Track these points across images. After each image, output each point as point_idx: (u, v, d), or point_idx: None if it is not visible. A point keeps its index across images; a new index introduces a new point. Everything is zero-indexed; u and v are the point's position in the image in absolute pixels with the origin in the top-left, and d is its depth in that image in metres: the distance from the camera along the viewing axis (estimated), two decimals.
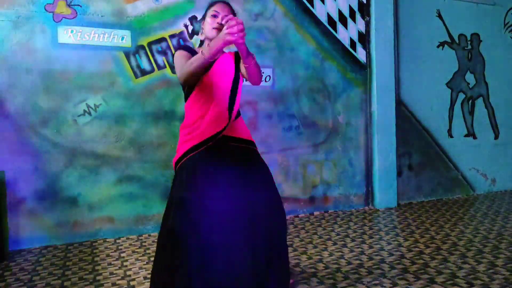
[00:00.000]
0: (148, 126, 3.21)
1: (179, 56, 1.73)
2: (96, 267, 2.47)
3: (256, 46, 3.55)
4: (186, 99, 1.81)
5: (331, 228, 3.27)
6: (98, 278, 2.29)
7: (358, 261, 2.46)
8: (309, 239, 2.97)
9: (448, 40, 4.46)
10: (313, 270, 2.33)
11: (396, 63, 4.13)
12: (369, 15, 3.96)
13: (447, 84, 4.47)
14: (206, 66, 1.62)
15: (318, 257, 2.56)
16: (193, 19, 3.33)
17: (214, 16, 1.76)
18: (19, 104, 2.87)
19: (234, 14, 1.82)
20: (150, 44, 3.21)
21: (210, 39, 1.73)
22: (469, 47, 4.59)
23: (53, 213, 2.97)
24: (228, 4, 1.83)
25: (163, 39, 3.25)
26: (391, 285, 2.07)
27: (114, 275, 2.32)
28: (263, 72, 3.43)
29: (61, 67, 2.97)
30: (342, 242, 2.87)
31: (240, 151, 1.74)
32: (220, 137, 1.70)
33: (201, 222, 1.57)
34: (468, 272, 2.24)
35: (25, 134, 2.89)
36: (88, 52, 3.03)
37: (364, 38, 3.98)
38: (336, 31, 3.86)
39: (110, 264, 2.53)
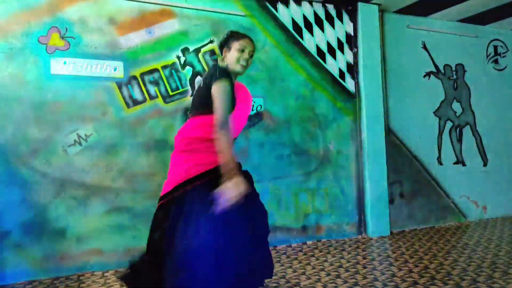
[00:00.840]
0: (139, 155, 3.20)
1: (228, 91, 1.74)
2: None
3: (248, 77, 3.61)
4: (200, 113, 1.82)
5: (324, 258, 3.23)
6: None
7: None
8: (302, 270, 2.92)
9: (434, 70, 4.59)
10: None
11: (384, 92, 4.21)
12: (356, 47, 4.08)
13: (434, 112, 4.56)
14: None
15: None
16: (185, 50, 3.39)
17: (241, 50, 1.84)
18: (8, 135, 2.85)
19: (255, 50, 1.97)
20: (142, 74, 3.25)
21: (234, 71, 1.88)
22: (455, 76, 4.72)
23: (39, 246, 2.89)
24: (253, 41, 1.94)
25: (155, 70, 3.29)
26: None
27: None
28: (254, 102, 3.51)
29: (53, 98, 2.98)
30: (336, 273, 2.83)
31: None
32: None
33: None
34: None
35: (14, 165, 2.86)
36: (80, 82, 3.06)
37: (352, 69, 4.08)
38: (325, 62, 3.96)
39: None
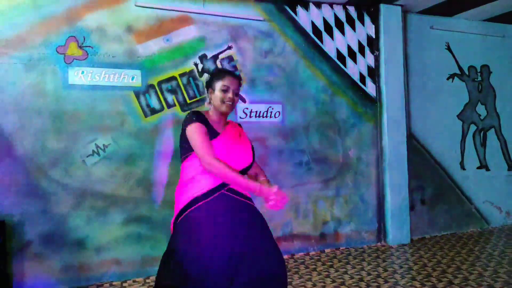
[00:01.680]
0: (158, 164, 3.18)
1: (198, 132, 1.70)
2: None
3: (266, 83, 3.54)
4: (184, 157, 1.78)
5: (344, 270, 3.18)
6: None
7: None
8: (322, 284, 2.87)
9: (458, 72, 4.43)
10: None
11: (406, 96, 4.09)
12: (378, 50, 3.95)
13: (458, 116, 4.42)
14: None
15: None
16: (203, 57, 3.34)
17: (224, 90, 1.77)
18: (28, 146, 2.86)
19: (241, 84, 1.87)
20: (160, 83, 3.21)
21: (219, 112, 1.81)
22: (479, 78, 4.55)
23: (59, 256, 2.91)
24: (237, 78, 1.86)
25: (173, 78, 3.25)
26: None
27: None
28: (272, 109, 3.44)
29: (71, 108, 2.96)
30: (357, 287, 2.78)
31: (243, 205, 1.77)
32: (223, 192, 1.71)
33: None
34: None
35: (33, 176, 2.86)
36: (98, 92, 3.03)
37: (373, 72, 3.96)
38: (345, 66, 3.85)
39: None
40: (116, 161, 3.07)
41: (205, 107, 3.28)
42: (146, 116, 3.16)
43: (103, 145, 3.05)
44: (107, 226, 3.03)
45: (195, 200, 1.70)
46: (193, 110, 1.94)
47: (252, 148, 1.90)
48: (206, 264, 1.60)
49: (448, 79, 4.38)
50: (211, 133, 1.76)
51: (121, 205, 3.07)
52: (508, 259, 3.34)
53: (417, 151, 4.17)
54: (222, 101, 1.78)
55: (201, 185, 1.72)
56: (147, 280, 3.05)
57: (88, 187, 2.99)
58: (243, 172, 1.81)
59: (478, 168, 4.51)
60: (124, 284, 2.98)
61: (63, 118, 2.94)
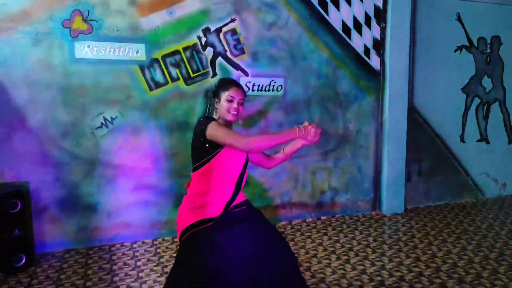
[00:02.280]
0: (162, 137, 3.33)
1: (219, 125, 1.78)
2: (114, 278, 2.67)
3: (269, 56, 3.57)
4: (196, 167, 1.87)
5: (336, 238, 3.40)
6: None
7: (358, 283, 2.59)
8: (314, 252, 3.11)
9: (467, 43, 4.36)
10: None
11: (411, 69, 4.08)
12: (385, 21, 3.89)
13: (462, 89, 4.41)
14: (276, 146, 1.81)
15: (321, 275, 2.71)
16: (206, 31, 3.35)
17: (230, 101, 1.84)
18: (40, 119, 3.01)
19: (246, 95, 1.92)
20: (164, 57, 3.27)
21: (226, 121, 1.86)
22: (488, 50, 4.47)
23: (74, 220, 3.17)
24: (242, 88, 1.91)
25: (177, 52, 3.30)
26: None
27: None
28: (275, 82, 3.50)
29: (79, 82, 3.07)
30: (346, 257, 3.00)
31: (242, 213, 1.86)
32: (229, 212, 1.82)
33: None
34: None
35: (47, 146, 3.05)
36: (104, 66, 3.12)
37: (378, 45, 3.93)
38: (350, 38, 3.83)
39: (127, 274, 2.73)
40: (123, 133, 3.22)
41: (208, 80, 3.38)
42: (151, 89, 3.26)
43: (111, 117, 3.19)
44: (117, 193, 3.26)
45: (204, 221, 1.78)
46: (203, 116, 1.99)
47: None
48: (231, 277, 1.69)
49: (455, 51, 4.32)
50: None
51: (129, 174, 3.27)
52: (494, 233, 3.53)
53: (417, 124, 4.24)
54: (228, 111, 1.87)
55: (209, 211, 1.79)
56: (155, 242, 3.33)
57: (98, 157, 3.18)
58: (242, 174, 1.89)
59: (478, 141, 4.58)
60: (134, 245, 3.26)
61: (71, 91, 3.07)
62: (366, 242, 3.31)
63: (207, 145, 1.81)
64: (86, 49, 3.06)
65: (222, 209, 1.79)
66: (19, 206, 2.77)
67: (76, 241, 3.19)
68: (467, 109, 4.46)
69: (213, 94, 1.93)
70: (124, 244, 3.28)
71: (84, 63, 3.07)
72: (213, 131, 1.77)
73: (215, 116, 1.90)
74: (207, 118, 1.85)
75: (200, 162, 1.81)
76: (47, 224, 3.10)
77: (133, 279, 2.66)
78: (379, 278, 2.66)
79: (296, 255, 3.01)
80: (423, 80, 4.19)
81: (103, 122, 3.17)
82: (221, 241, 1.74)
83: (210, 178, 1.82)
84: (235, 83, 1.92)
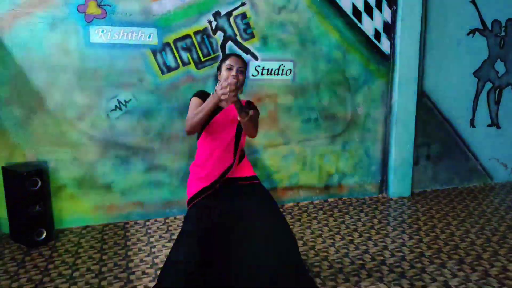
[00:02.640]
0: (174, 119, 3.43)
1: (193, 104, 1.94)
2: (129, 253, 2.84)
3: (279, 40, 3.60)
4: (198, 136, 2.02)
5: (342, 219, 3.50)
6: (130, 265, 2.65)
7: (360, 261, 2.70)
8: (319, 232, 3.22)
9: (480, 27, 4.30)
10: (318, 269, 2.59)
11: (422, 53, 4.06)
12: (396, 5, 3.87)
13: (474, 73, 4.38)
14: (207, 118, 1.88)
15: (325, 253, 2.82)
16: (216, 15, 3.40)
17: (229, 69, 1.95)
18: (57, 101, 3.14)
19: (246, 64, 2.02)
20: (175, 41, 3.34)
21: None
22: (503, 33, 4.41)
23: (90, 198, 3.33)
24: (241, 58, 2.01)
25: (187, 36, 3.37)
26: None
27: (144, 263, 2.68)
28: (284, 66, 3.54)
29: (94, 66, 3.18)
30: (350, 238, 3.10)
31: (247, 188, 1.97)
32: (227, 178, 1.93)
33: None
34: (461, 281, 2.44)
35: (64, 128, 3.19)
36: (117, 50, 3.21)
37: (389, 29, 3.92)
38: (360, 22, 3.83)
39: (140, 250, 2.89)
40: (136, 116, 3.34)
41: (217, 64, 3.45)
42: (162, 73, 3.35)
43: (124, 100, 3.30)
44: (131, 173, 3.40)
45: (203, 190, 1.96)
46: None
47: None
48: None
49: (468, 34, 4.27)
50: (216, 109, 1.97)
51: (142, 155, 3.40)
52: (499, 217, 3.57)
53: (427, 108, 4.24)
54: (227, 79, 1.96)
55: (209, 175, 1.96)
56: (167, 220, 3.48)
57: (112, 138, 3.31)
58: (238, 134, 2.02)
59: (488, 125, 4.56)
60: (147, 223, 3.42)
61: (87, 75, 3.18)
62: (370, 224, 3.40)
63: None
64: (100, 34, 3.16)
65: (221, 173, 1.92)
66: (39, 184, 2.93)
67: (93, 218, 3.36)
68: (478, 93, 4.44)
69: (217, 70, 2.07)
70: (138, 222, 3.44)
71: (98, 47, 3.17)
72: (189, 106, 1.96)
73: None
74: (198, 91, 2.00)
75: (200, 129, 1.96)
76: (65, 202, 3.27)
77: (146, 254, 2.81)
78: (381, 257, 2.76)
79: (301, 234, 3.14)
80: (434, 64, 4.17)
81: (117, 104, 3.28)
82: (216, 208, 1.88)
83: (208, 144, 1.96)
84: (234, 54, 2.05)
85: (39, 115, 3.11)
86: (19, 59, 3.00)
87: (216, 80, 2.18)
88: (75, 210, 3.31)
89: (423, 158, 4.35)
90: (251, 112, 1.90)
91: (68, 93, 3.16)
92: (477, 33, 4.29)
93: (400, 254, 2.82)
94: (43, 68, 3.07)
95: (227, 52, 3.48)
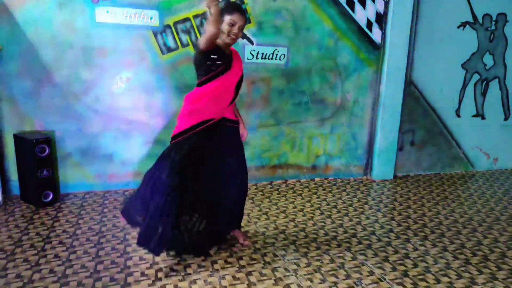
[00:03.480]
0: (173, 97, 3.68)
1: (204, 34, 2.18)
2: None
3: (273, 26, 3.80)
4: (202, 82, 2.29)
5: (324, 197, 3.78)
6: (126, 226, 2.95)
7: (334, 234, 2.99)
8: (301, 207, 3.50)
9: (471, 20, 4.45)
10: (294, 238, 2.88)
11: (412, 44, 4.25)
12: None
13: (462, 65, 4.56)
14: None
15: (303, 226, 3.11)
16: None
17: (232, 25, 2.16)
18: (64, 76, 3.40)
19: (247, 21, 2.27)
20: (175, 23, 3.55)
21: (224, 42, 2.23)
22: (493, 27, 4.56)
23: (93, 166, 3.63)
24: (244, 15, 2.20)
25: (187, 19, 3.57)
26: (351, 259, 2.60)
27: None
28: (278, 51, 3.75)
29: (99, 44, 3.41)
30: (328, 213, 3.39)
31: (229, 129, 2.42)
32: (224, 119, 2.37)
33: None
34: (420, 254, 2.72)
35: (70, 101, 3.45)
36: (121, 31, 3.44)
37: (381, 19, 4.10)
38: (353, 11, 4.00)
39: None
40: (137, 92, 3.59)
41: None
42: (163, 53, 3.58)
43: (127, 77, 3.55)
44: (131, 146, 3.68)
45: (196, 125, 2.29)
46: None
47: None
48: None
49: (459, 27, 4.43)
50: (221, 55, 2.24)
51: (142, 130, 3.67)
52: (471, 201, 3.83)
53: (414, 97, 4.45)
54: (228, 34, 2.19)
55: (203, 115, 2.29)
56: None
57: (115, 113, 3.57)
58: (238, 87, 2.39)
59: (473, 116, 4.77)
60: None
61: (92, 52, 3.41)
62: (350, 202, 3.68)
63: (208, 62, 2.19)
64: (105, 14, 3.37)
65: (217, 115, 2.28)
66: (47, 151, 3.22)
67: (95, 185, 3.66)
68: (465, 84, 4.63)
69: (212, 11, 2.22)
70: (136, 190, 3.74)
71: (103, 27, 3.39)
72: (202, 36, 2.13)
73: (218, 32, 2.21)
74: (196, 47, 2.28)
75: (205, 77, 2.22)
76: (70, 169, 3.57)
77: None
78: (353, 231, 3.05)
79: (284, 208, 3.43)
80: (423, 54, 4.35)
81: (120, 81, 3.53)
82: (199, 140, 2.26)
83: (211, 93, 2.24)
84: (239, 9, 2.21)
85: (47, 88, 3.37)
86: (29, 36, 3.24)
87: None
88: (79, 177, 3.61)
89: (408, 144, 4.59)
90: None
91: (74, 68, 3.40)
92: (467, 26, 4.45)
93: (371, 229, 3.11)
94: (51, 45, 3.31)
95: None
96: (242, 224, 3.07)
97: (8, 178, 3.44)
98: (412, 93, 4.43)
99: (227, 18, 2.15)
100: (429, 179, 4.52)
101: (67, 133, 3.50)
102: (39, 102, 3.38)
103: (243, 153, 2.60)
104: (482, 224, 3.28)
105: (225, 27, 2.16)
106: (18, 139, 3.27)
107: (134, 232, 2.86)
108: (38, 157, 3.18)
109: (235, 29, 2.16)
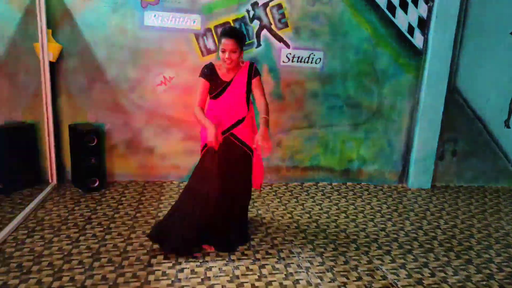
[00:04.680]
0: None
1: (199, 87, 2.47)
2: (160, 205, 3.40)
3: (311, 31, 3.88)
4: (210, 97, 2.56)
5: (353, 201, 3.78)
6: (159, 214, 3.20)
7: (354, 237, 3.01)
8: (327, 209, 3.54)
9: None
10: (313, 238, 2.95)
11: (457, 50, 4.10)
12: (433, 0, 3.93)
13: None
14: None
15: (325, 227, 3.16)
16: (254, 5, 3.75)
17: (223, 51, 2.35)
18: (114, 74, 3.74)
19: (239, 39, 2.39)
20: (216, 27, 3.76)
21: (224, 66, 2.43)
22: None
23: (136, 158, 3.94)
24: (233, 38, 2.34)
25: (227, 23, 3.77)
26: (366, 263, 2.62)
27: None
28: (314, 55, 3.83)
29: (145, 45, 3.71)
30: (353, 217, 3.40)
31: (239, 151, 2.52)
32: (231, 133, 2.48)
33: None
34: (440, 264, 2.66)
35: (119, 97, 3.79)
36: (166, 33, 3.71)
37: (424, 24, 4.01)
38: (394, 16, 3.96)
39: (170, 204, 3.43)
40: (178, 91, 3.85)
41: (252, 50, 3.82)
42: (203, 55, 3.81)
43: (169, 77, 3.82)
44: (170, 141, 3.95)
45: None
46: (209, 62, 2.58)
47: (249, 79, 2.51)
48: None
49: (511, 33, 4.19)
50: (218, 83, 2.45)
51: (180, 126, 3.93)
52: (509, 218, 3.62)
53: (458, 105, 4.29)
54: (223, 60, 2.39)
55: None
56: None
57: (157, 109, 3.86)
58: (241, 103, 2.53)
59: None
60: (181, 184, 3.97)
61: (139, 53, 3.73)
62: (379, 208, 3.65)
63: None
64: (153, 18, 3.67)
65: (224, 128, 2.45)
66: (95, 141, 3.57)
67: (136, 175, 3.98)
68: None
69: (218, 42, 2.46)
70: (173, 182, 4.01)
71: (150, 30, 3.69)
72: (198, 84, 2.47)
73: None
74: (204, 69, 2.49)
75: (211, 94, 2.47)
76: (116, 159, 3.92)
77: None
78: (375, 236, 3.04)
79: (310, 209, 3.49)
80: (470, 61, 4.18)
81: (163, 80, 3.81)
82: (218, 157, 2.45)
83: (217, 109, 2.44)
84: (226, 34, 2.35)
85: (99, 85, 3.74)
86: (85, 37, 3.61)
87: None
88: (124, 167, 3.95)
89: (449, 154, 4.42)
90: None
91: (123, 67, 3.74)
92: None
93: (394, 236, 3.08)
94: (104, 45, 3.66)
95: (261, 40, 3.84)
96: (265, 221, 3.20)
97: (63, 165, 3.85)
98: (455, 101, 4.27)
99: (220, 45, 2.39)
100: (470, 192, 4.32)
101: (115, 126, 3.84)
102: (92, 97, 3.75)
103: (245, 176, 2.64)
104: None
105: (220, 54, 2.39)
106: (72, 129, 3.66)
107: None
108: (88, 147, 3.54)
109: (226, 55, 2.35)
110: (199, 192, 2.49)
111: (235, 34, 2.38)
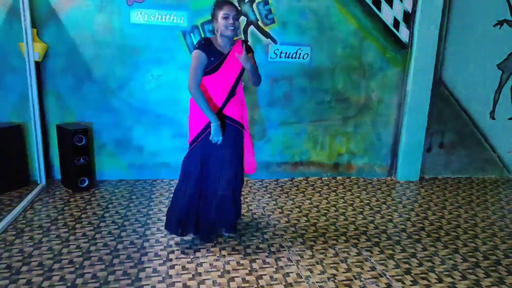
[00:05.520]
0: None
1: (195, 60, 2.33)
2: (151, 203, 3.40)
3: (298, 26, 3.89)
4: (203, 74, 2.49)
5: (342, 195, 3.82)
6: (149, 212, 3.21)
7: (344, 230, 3.04)
8: (317, 203, 3.58)
9: (509, 18, 4.26)
10: (303, 231, 2.98)
11: (442, 43, 4.15)
12: None
13: (498, 65, 4.37)
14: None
15: (315, 221, 3.19)
16: (240, 1, 3.75)
17: (225, 18, 2.29)
18: (102, 72, 3.72)
19: (240, 13, 2.38)
20: (202, 24, 3.76)
21: (225, 36, 2.34)
22: None
23: (125, 156, 3.93)
24: (234, 5, 2.32)
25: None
26: (355, 255, 2.65)
27: (161, 212, 3.22)
28: (301, 50, 3.84)
29: (133, 43, 3.70)
30: (343, 210, 3.44)
31: (231, 129, 2.52)
32: (222, 115, 2.47)
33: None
34: (427, 254, 2.72)
35: (107, 95, 3.77)
36: (153, 30, 3.69)
37: (409, 18, 4.04)
38: (380, 10, 3.99)
39: (161, 202, 3.44)
40: (167, 89, 3.84)
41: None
42: (190, 52, 3.80)
43: (157, 74, 3.81)
44: (160, 138, 3.94)
45: (205, 127, 2.47)
46: (203, 37, 2.54)
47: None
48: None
49: (495, 25, 4.26)
50: (216, 55, 2.37)
51: (170, 124, 3.92)
52: (497, 207, 3.70)
53: (444, 97, 4.34)
54: (226, 27, 2.33)
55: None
56: None
57: (146, 107, 3.85)
58: (237, 80, 2.47)
59: (510, 118, 4.56)
60: (171, 182, 3.97)
61: (126, 51, 3.71)
62: (368, 201, 3.70)
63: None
64: (139, 16, 3.65)
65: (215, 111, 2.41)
66: (84, 141, 3.55)
67: (126, 174, 3.97)
68: (501, 86, 4.44)
69: (211, 15, 2.39)
70: (164, 180, 4.01)
71: (137, 27, 3.67)
72: (192, 57, 2.33)
73: (217, 34, 2.37)
74: (201, 40, 2.36)
75: (207, 69, 2.38)
76: (105, 158, 3.90)
77: (164, 205, 3.36)
78: (364, 228, 3.08)
79: (300, 203, 3.52)
80: (455, 54, 4.23)
81: (151, 78, 3.80)
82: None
83: (211, 86, 2.40)
84: (227, 2, 2.32)
85: (87, 84, 3.71)
86: (72, 35, 3.59)
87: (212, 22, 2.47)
88: (113, 166, 3.93)
89: (436, 146, 4.49)
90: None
91: (111, 66, 3.72)
92: (504, 24, 4.26)
93: (383, 227, 3.12)
94: (91, 43, 3.64)
95: (249, 37, 3.84)
96: (255, 216, 3.22)
97: (52, 165, 3.83)
98: (441, 93, 4.32)
99: (220, 14, 2.29)
100: (457, 183, 4.39)
101: (103, 125, 3.83)
102: (80, 96, 3.72)
103: (239, 152, 2.64)
104: (504, 230, 3.18)
105: (221, 23, 2.29)
106: (60, 129, 3.63)
107: (155, 218, 3.10)
108: (76, 146, 3.52)
109: (230, 20, 2.29)
110: (194, 174, 2.56)
111: (235, 4, 2.40)
